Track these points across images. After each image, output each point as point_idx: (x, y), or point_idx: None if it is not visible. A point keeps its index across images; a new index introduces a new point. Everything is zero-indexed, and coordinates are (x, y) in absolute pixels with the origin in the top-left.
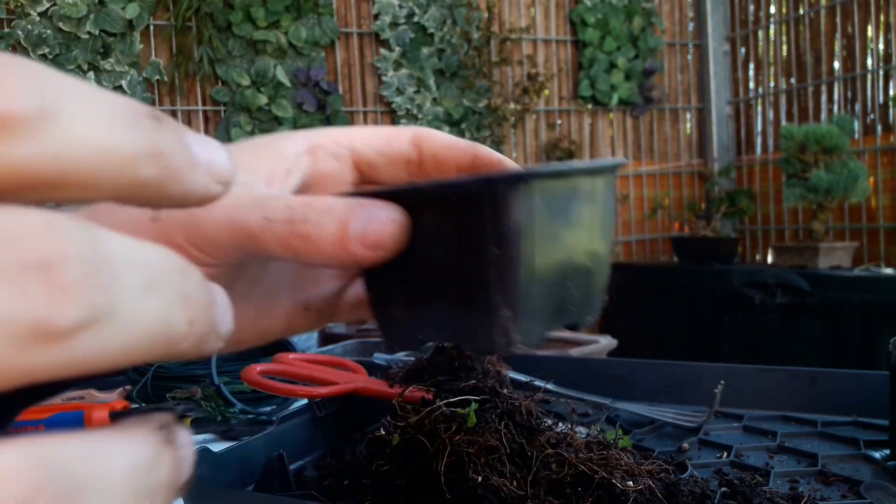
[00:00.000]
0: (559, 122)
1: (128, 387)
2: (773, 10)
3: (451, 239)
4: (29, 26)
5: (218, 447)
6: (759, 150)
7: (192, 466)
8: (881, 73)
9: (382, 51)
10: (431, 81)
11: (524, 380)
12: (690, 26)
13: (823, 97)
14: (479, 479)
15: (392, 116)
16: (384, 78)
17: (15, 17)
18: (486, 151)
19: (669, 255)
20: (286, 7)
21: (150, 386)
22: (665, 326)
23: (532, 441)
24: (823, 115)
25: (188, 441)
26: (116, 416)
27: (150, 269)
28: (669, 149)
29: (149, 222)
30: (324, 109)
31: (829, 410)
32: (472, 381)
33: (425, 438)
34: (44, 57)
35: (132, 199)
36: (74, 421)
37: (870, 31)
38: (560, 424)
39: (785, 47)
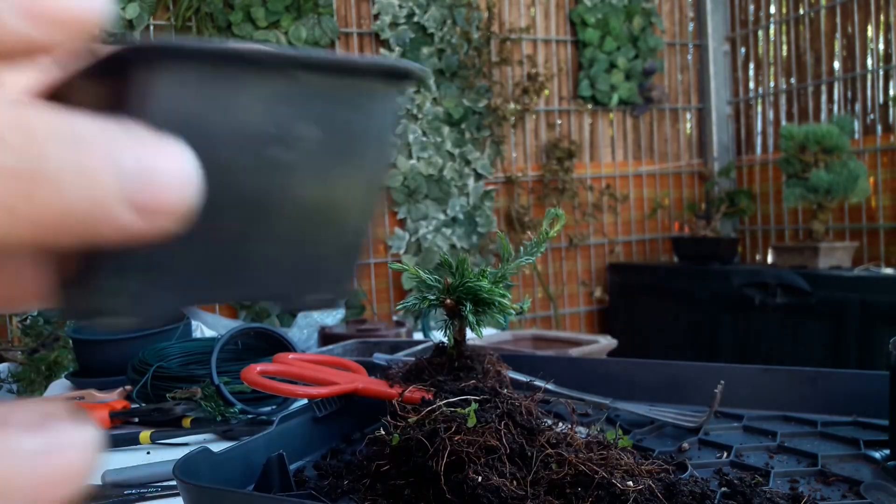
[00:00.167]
0: (559, 122)
1: (128, 387)
2: (773, 10)
3: None
4: None
5: (218, 447)
6: (759, 150)
7: (80, 466)
8: (881, 73)
9: (382, 51)
10: (431, 81)
11: (524, 380)
12: (690, 26)
13: (823, 97)
14: (479, 479)
15: None
16: None
17: None
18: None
19: (669, 255)
20: (286, 7)
21: (149, 386)
22: (665, 326)
23: (532, 441)
24: (823, 115)
25: (74, 434)
26: (116, 416)
27: None
28: (669, 149)
29: None
30: None
31: (829, 410)
32: (472, 381)
33: (425, 438)
34: None
35: None
36: None
37: (870, 31)
38: (560, 424)
39: (785, 47)
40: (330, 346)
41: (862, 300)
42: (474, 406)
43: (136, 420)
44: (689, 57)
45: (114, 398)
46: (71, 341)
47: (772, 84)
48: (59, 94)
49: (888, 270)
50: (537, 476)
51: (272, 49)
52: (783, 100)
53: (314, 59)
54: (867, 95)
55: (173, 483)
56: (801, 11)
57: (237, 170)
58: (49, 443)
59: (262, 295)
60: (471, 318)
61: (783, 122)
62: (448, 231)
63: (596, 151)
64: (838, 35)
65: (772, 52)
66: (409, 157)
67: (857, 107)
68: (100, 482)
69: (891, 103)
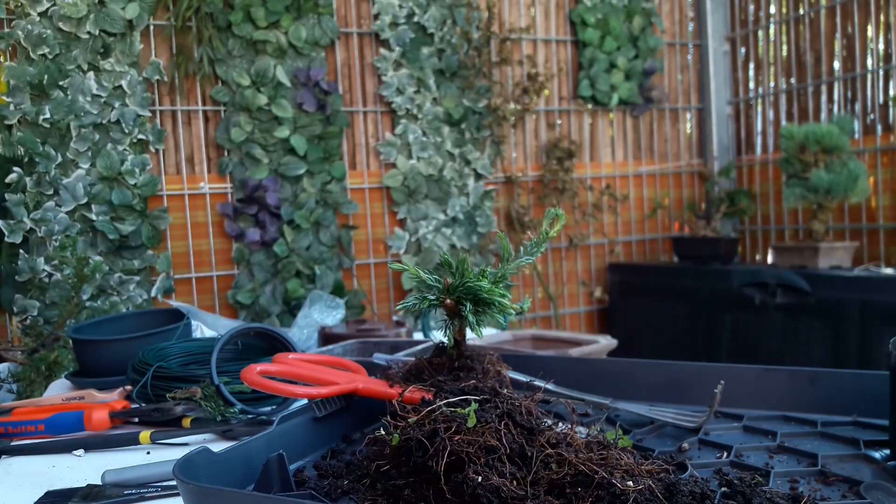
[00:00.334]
0: (559, 122)
1: (128, 387)
2: (773, 10)
3: None
4: (29, 26)
5: (218, 447)
6: (759, 150)
7: None
8: (881, 73)
9: (382, 51)
10: (431, 81)
11: (524, 380)
12: (690, 26)
13: (823, 97)
14: (479, 479)
15: (392, 116)
16: (384, 78)
17: (15, 17)
18: None
19: (669, 255)
20: (286, 7)
21: (149, 386)
22: (665, 326)
23: (532, 441)
24: (823, 115)
25: None
26: (116, 416)
27: None
28: (669, 149)
29: None
30: (324, 109)
31: (829, 410)
32: (472, 381)
33: (425, 438)
34: (44, 57)
35: None
36: (75, 421)
37: (870, 31)
38: (560, 424)
39: (785, 47)
40: (330, 346)
41: (862, 300)
42: (474, 406)
43: (136, 420)
44: (689, 57)
45: (114, 398)
46: (71, 341)
47: (772, 84)
48: None
49: (888, 270)
50: (537, 476)
51: None
52: (783, 100)
53: None
54: (867, 95)
55: (173, 483)
56: (801, 11)
57: None
58: None
59: None
60: (471, 318)
61: (783, 122)
62: (448, 231)
63: (596, 151)
64: (838, 35)
65: (772, 52)
66: (409, 157)
67: (857, 107)
68: (100, 482)
69: (891, 103)
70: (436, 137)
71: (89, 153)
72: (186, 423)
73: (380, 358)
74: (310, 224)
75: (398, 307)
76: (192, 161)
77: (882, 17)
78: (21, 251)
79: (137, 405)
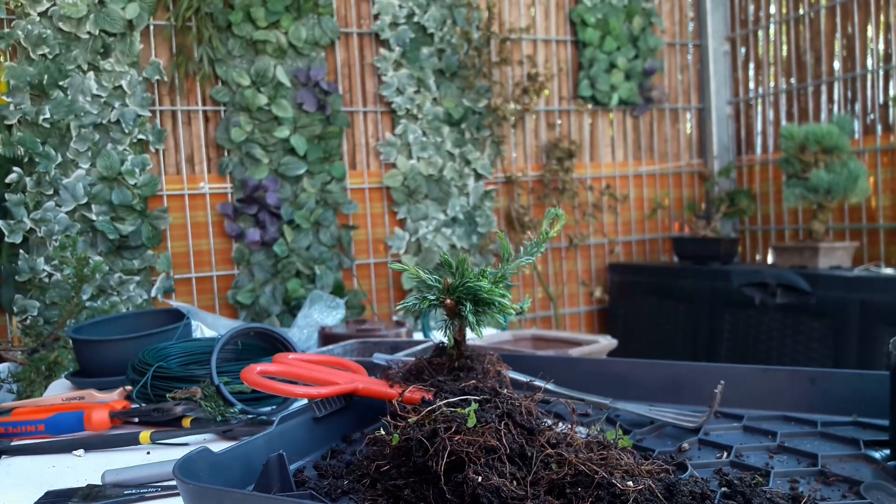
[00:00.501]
0: (559, 122)
1: (128, 387)
2: (773, 10)
3: None
4: (29, 26)
5: (218, 447)
6: (759, 150)
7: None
8: (881, 73)
9: (382, 51)
10: (431, 81)
11: (524, 380)
12: (690, 26)
13: (823, 97)
14: (479, 479)
15: (392, 116)
16: (384, 78)
17: (15, 17)
18: None
19: (669, 255)
20: (286, 7)
21: (149, 386)
22: (665, 326)
23: (532, 441)
24: (823, 115)
25: None
26: (116, 416)
27: None
28: (669, 149)
29: None
30: (324, 109)
31: (829, 410)
32: (472, 381)
33: (425, 438)
34: (44, 57)
35: None
36: (75, 421)
37: (870, 31)
38: (560, 424)
39: (785, 47)
40: (330, 346)
41: (862, 300)
42: (474, 406)
43: (136, 420)
44: (689, 57)
45: (114, 398)
46: (71, 341)
47: (772, 84)
48: None
49: (888, 270)
50: (537, 476)
51: None
52: (783, 100)
53: None
54: (867, 95)
55: (173, 483)
56: (801, 11)
57: None
58: None
59: None
60: (471, 318)
61: (783, 122)
62: (448, 231)
63: (596, 151)
64: (838, 35)
65: (772, 52)
66: (409, 157)
67: (857, 107)
68: (100, 482)
69: (891, 103)
70: (436, 137)
71: (89, 153)
72: (186, 423)
73: (380, 358)
74: (310, 224)
75: (398, 307)
76: (192, 161)
77: (882, 17)
78: (21, 251)
79: (137, 405)
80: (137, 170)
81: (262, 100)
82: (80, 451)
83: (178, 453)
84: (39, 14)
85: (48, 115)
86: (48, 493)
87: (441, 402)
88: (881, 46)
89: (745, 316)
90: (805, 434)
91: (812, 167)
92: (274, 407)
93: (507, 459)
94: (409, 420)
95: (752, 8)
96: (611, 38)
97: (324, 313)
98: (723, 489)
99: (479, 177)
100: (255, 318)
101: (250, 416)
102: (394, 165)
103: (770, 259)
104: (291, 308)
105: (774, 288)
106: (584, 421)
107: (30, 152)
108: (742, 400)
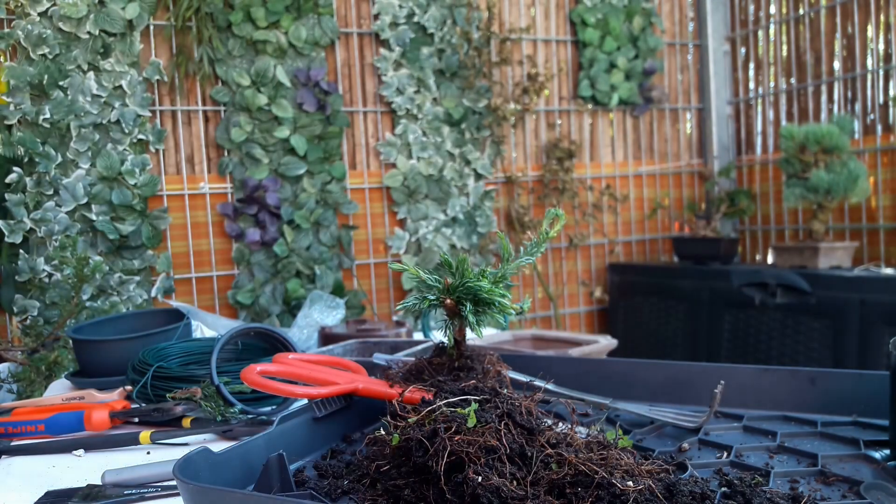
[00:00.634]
0: (559, 122)
1: (128, 387)
2: (773, 10)
3: None
4: (29, 26)
5: (218, 447)
6: (759, 150)
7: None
8: (881, 73)
9: (382, 51)
10: (431, 81)
11: (524, 380)
12: (690, 26)
13: (823, 97)
14: (479, 479)
15: (392, 116)
16: (384, 78)
17: (15, 17)
18: None
19: (669, 255)
20: (286, 7)
21: (149, 386)
22: (665, 326)
23: (532, 441)
24: (823, 115)
25: None
26: (116, 416)
27: None
28: (669, 149)
29: None
30: (324, 109)
31: (829, 410)
32: (472, 381)
33: (425, 438)
34: (44, 57)
35: None
36: (75, 421)
37: (870, 31)
38: (560, 424)
39: (785, 47)
40: (330, 346)
41: (862, 300)
42: (474, 406)
43: (136, 420)
44: (689, 57)
45: (114, 398)
46: (71, 341)
47: (772, 84)
48: None
49: (888, 270)
50: (537, 476)
51: None
52: (783, 100)
53: None
54: (867, 95)
55: (173, 483)
56: (801, 11)
57: None
58: None
59: None
60: (471, 318)
61: (783, 122)
62: (448, 231)
63: (596, 151)
64: (838, 35)
65: (772, 52)
66: (409, 157)
67: (857, 107)
68: (100, 482)
69: (891, 103)
70: (436, 137)
71: (89, 153)
72: (186, 423)
73: (380, 358)
74: (310, 224)
75: (398, 307)
76: (192, 161)
77: (882, 17)
78: (21, 251)
79: (137, 405)
80: (137, 170)
81: (262, 100)
82: (80, 451)
83: (178, 453)
84: (39, 14)
85: (48, 115)
86: (48, 493)
87: (441, 402)
88: (881, 46)
89: (745, 316)
90: (805, 434)
91: (812, 167)
92: (274, 407)
93: (507, 459)
94: (409, 420)
95: (752, 8)
96: (611, 38)
97: (324, 313)
98: (723, 489)
99: (479, 177)
100: (255, 318)
101: (250, 416)
102: (394, 165)
103: (770, 259)
104: (291, 308)
105: (774, 288)
106: (584, 421)
107: (30, 152)
108: (742, 400)
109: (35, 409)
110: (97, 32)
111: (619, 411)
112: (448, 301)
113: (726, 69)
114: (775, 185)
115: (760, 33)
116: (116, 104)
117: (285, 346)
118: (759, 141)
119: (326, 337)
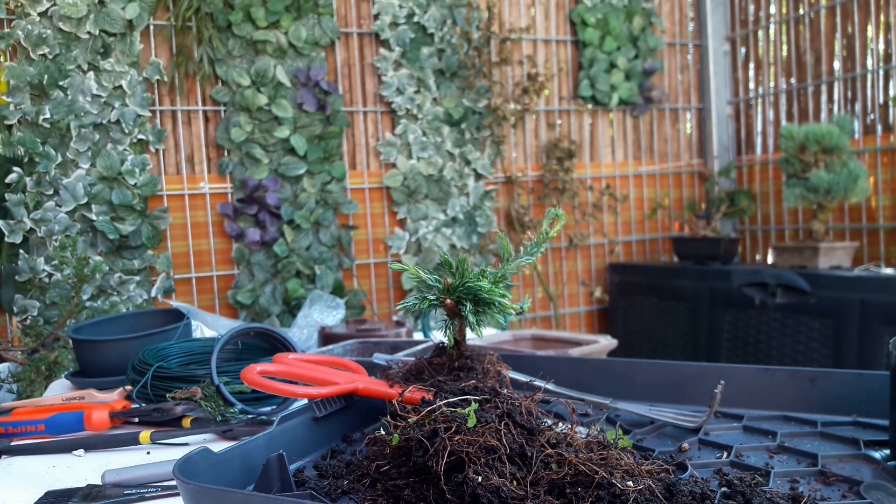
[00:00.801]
0: (559, 122)
1: (128, 387)
2: (773, 10)
3: None
4: (29, 26)
5: (218, 447)
6: (759, 150)
7: None
8: (881, 73)
9: (382, 51)
10: (431, 81)
11: (524, 380)
12: (690, 26)
13: (823, 97)
14: (479, 479)
15: (392, 116)
16: (384, 78)
17: (15, 17)
18: None
19: (669, 255)
20: (286, 7)
21: (149, 386)
22: (665, 326)
23: (532, 441)
24: (823, 115)
25: None
26: (116, 416)
27: None
28: (669, 149)
29: None
30: (324, 109)
31: (829, 410)
32: (472, 381)
33: (425, 438)
34: (44, 57)
35: None
36: (75, 421)
37: (870, 31)
38: (560, 424)
39: (785, 47)
40: (330, 346)
41: (862, 300)
42: (474, 406)
43: (136, 420)
44: (689, 57)
45: (114, 398)
46: (71, 341)
47: (772, 84)
48: None
49: (888, 270)
50: (537, 476)
51: None
52: (783, 100)
53: None
54: (867, 95)
55: (173, 483)
56: (801, 11)
57: None
58: None
59: None
60: (471, 318)
61: (783, 122)
62: (448, 231)
63: (596, 151)
64: (838, 35)
65: (772, 52)
66: (409, 157)
67: (857, 107)
68: (100, 482)
69: (891, 103)
70: (436, 137)
71: (89, 153)
72: (186, 423)
73: (380, 358)
74: (310, 224)
75: (398, 307)
76: (192, 161)
77: (882, 17)
78: (21, 251)
79: (137, 405)
80: (137, 170)
81: (262, 100)
82: (80, 451)
83: (178, 453)
84: (39, 14)
85: (48, 115)
86: (48, 493)
87: (441, 402)
88: (881, 46)
89: (745, 316)
90: (805, 434)
91: (812, 167)
92: (274, 407)
93: (507, 459)
94: (409, 420)
95: (752, 8)
96: (611, 38)
97: (324, 313)
98: (723, 489)
99: (479, 177)
100: (255, 318)
101: (250, 416)
102: (394, 165)
103: (770, 259)
104: (291, 308)
105: (774, 288)
106: (584, 421)
107: (30, 152)
108: (742, 400)
109: (35, 409)
110: (97, 32)
111: (619, 411)
112: (448, 301)
113: (726, 69)
114: (775, 185)
115: (760, 33)
116: (116, 104)
117: (285, 346)
118: (759, 141)
119: (326, 337)
